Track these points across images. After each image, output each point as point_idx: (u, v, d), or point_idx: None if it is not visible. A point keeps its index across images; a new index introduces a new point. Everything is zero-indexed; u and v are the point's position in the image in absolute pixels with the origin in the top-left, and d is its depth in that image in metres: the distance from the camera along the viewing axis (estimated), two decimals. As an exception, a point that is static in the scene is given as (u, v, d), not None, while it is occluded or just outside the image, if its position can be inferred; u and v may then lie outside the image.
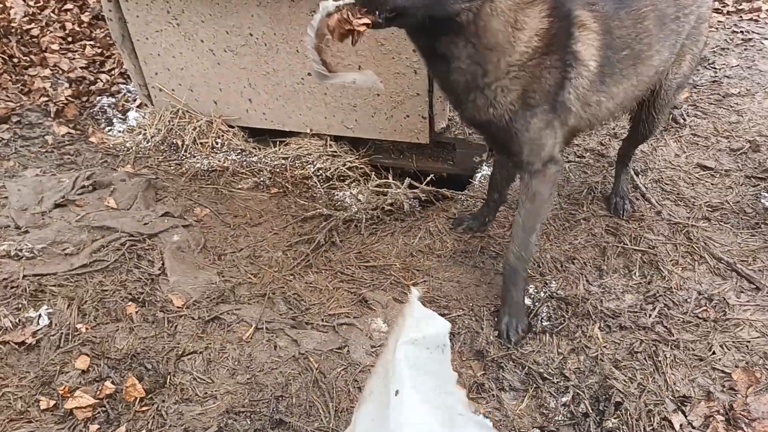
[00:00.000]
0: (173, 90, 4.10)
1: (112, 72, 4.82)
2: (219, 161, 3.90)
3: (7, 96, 4.23)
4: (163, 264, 2.94)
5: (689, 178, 3.35)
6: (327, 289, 2.87)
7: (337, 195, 3.66)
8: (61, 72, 4.62)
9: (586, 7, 2.20)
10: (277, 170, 3.85)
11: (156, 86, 4.12)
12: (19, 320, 2.57)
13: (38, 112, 4.17)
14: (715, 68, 4.28)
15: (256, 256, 3.10)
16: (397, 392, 1.48)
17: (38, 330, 2.54)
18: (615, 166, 3.28)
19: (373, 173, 3.85)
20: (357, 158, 3.95)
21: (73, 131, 4.14)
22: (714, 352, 2.42)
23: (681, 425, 2.18)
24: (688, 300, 2.66)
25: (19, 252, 2.87)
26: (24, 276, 2.76)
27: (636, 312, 2.63)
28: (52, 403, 2.27)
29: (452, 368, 1.64)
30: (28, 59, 4.61)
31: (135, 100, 4.51)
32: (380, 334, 2.62)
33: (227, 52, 3.79)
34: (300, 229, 3.32)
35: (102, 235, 3.05)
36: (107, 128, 4.27)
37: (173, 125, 4.08)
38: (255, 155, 3.98)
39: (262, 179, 3.77)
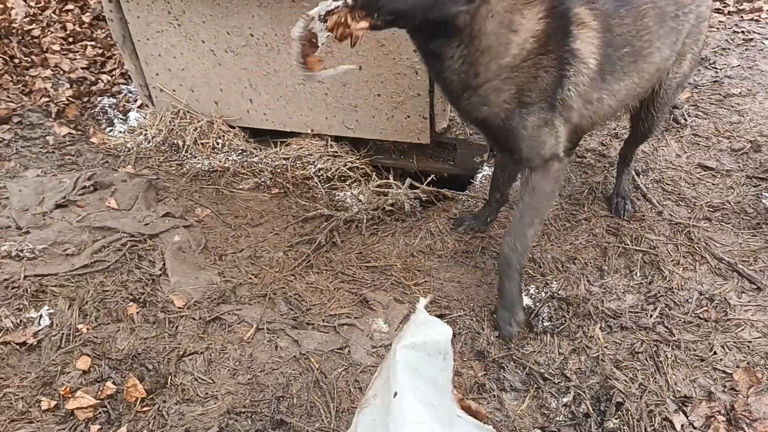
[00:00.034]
0: (174, 90, 4.10)
1: (113, 72, 4.83)
2: (220, 162, 3.90)
3: (8, 96, 4.23)
4: (164, 264, 2.95)
5: (690, 178, 3.35)
6: (328, 289, 2.87)
7: (338, 195, 3.66)
8: (62, 72, 4.62)
9: (586, 5, 2.21)
10: (278, 171, 3.85)
11: (157, 87, 4.12)
12: (20, 321, 2.57)
13: (39, 113, 4.17)
14: (716, 68, 4.27)
15: (257, 257, 3.10)
16: (395, 394, 1.48)
17: (39, 330, 2.54)
18: (616, 166, 3.28)
19: (374, 173, 3.85)
20: (358, 158, 3.95)
21: (74, 132, 4.14)
22: (715, 353, 2.42)
23: (682, 425, 2.18)
24: (689, 300, 2.66)
25: (20, 252, 2.87)
26: (25, 276, 2.76)
27: (637, 312, 2.63)
28: (53, 403, 2.27)
29: (452, 374, 1.65)
30: (29, 60, 4.62)
31: (136, 101, 4.51)
32: (381, 335, 2.62)
33: (228, 52, 3.79)
34: (301, 229, 3.32)
35: (103, 235, 3.05)
36: (108, 129, 4.27)
37: (174, 126, 4.08)
38: (256, 156, 3.98)
39: (263, 180, 3.77)
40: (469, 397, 2.31)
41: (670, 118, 3.80)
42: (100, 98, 4.52)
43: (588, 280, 2.81)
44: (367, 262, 3.04)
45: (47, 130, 4.07)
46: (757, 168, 3.35)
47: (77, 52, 4.91)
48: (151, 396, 2.34)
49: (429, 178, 3.55)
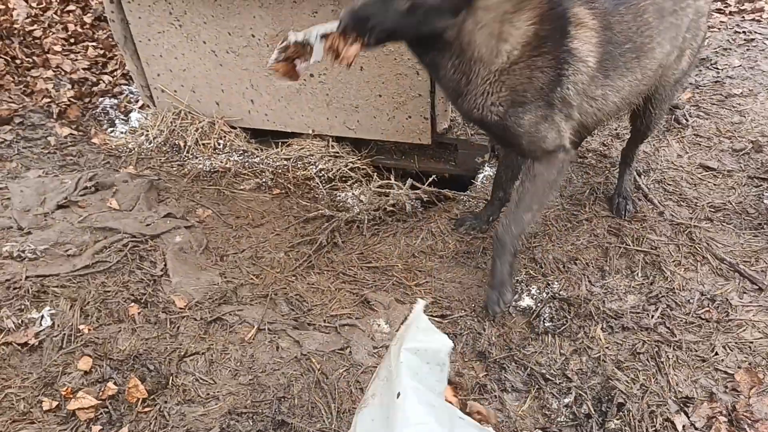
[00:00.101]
0: (175, 91, 4.10)
1: (115, 73, 4.83)
2: (221, 162, 3.91)
3: (10, 97, 4.24)
4: (165, 265, 2.95)
5: (692, 178, 3.35)
6: (329, 290, 2.87)
7: (339, 196, 3.66)
8: (63, 73, 4.63)
9: (584, 4, 2.25)
10: (279, 171, 3.85)
11: (158, 87, 4.12)
12: (22, 321, 2.57)
13: (41, 114, 4.18)
14: (717, 69, 4.27)
15: (258, 257, 3.10)
16: (398, 394, 1.49)
17: (41, 331, 2.55)
18: (617, 166, 3.28)
19: (375, 174, 3.85)
20: (359, 159, 3.95)
21: (75, 132, 4.15)
22: (717, 353, 2.42)
23: (683, 426, 2.18)
24: (691, 301, 2.65)
25: (21, 253, 2.87)
26: (26, 277, 2.76)
27: (638, 313, 2.62)
28: (54, 404, 2.27)
29: (446, 384, 1.67)
30: (30, 60, 4.62)
31: (137, 102, 4.52)
32: (382, 335, 2.62)
33: (229, 53, 3.80)
34: (302, 230, 3.32)
35: (104, 236, 3.05)
36: (109, 129, 4.28)
37: (175, 126, 4.08)
38: (257, 156, 3.98)
39: (264, 180, 3.77)
40: (470, 397, 2.32)
41: (671, 118, 3.80)
42: (102, 99, 4.53)
43: (589, 281, 2.80)
44: (369, 262, 3.04)
45: (49, 130, 4.07)
46: (758, 168, 3.35)
47: (79, 52, 4.92)
48: (152, 396, 2.34)
49: (430, 179, 3.55)
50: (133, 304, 2.72)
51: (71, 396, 2.30)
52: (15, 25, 4.78)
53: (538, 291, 2.77)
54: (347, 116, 3.81)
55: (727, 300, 2.63)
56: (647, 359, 2.43)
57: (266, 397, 2.35)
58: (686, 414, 2.22)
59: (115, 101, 4.54)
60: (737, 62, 4.29)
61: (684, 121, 3.77)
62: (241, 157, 3.97)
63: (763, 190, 3.19)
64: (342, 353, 2.53)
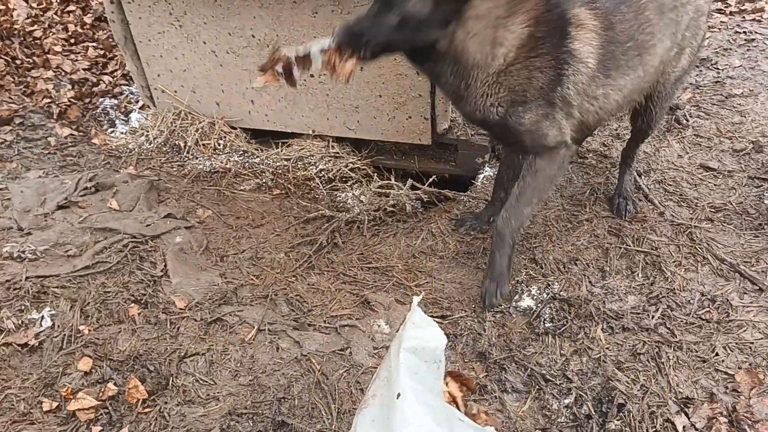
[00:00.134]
0: (176, 91, 4.10)
1: (115, 74, 4.83)
2: (221, 163, 3.91)
3: (10, 98, 4.24)
4: (165, 265, 2.95)
5: (692, 179, 3.34)
6: (329, 290, 2.87)
7: (340, 196, 3.66)
8: (63, 74, 4.63)
9: (585, 5, 2.26)
10: (280, 172, 3.85)
11: (158, 88, 4.12)
12: (22, 322, 2.57)
13: (41, 114, 4.18)
14: (717, 69, 4.27)
15: (259, 258, 3.10)
16: (398, 395, 1.49)
17: (41, 332, 2.54)
18: (618, 167, 3.28)
19: (376, 174, 3.85)
20: (359, 159, 3.95)
21: (75, 133, 4.15)
22: (717, 354, 2.42)
23: (684, 427, 2.17)
24: (691, 301, 2.65)
25: (21, 254, 2.87)
26: (27, 278, 2.76)
27: (639, 313, 2.62)
28: (54, 404, 2.27)
29: (443, 381, 1.67)
30: (30, 61, 4.62)
31: (137, 102, 4.52)
32: (382, 336, 2.62)
33: (229, 53, 3.80)
34: (302, 230, 3.32)
35: (104, 236, 3.05)
36: (110, 130, 4.28)
37: (176, 127, 4.08)
38: (257, 157, 3.98)
39: (264, 181, 3.77)
40: (470, 398, 2.31)
41: (671, 118, 3.80)
42: (102, 99, 4.53)
43: (590, 281, 2.80)
44: (369, 263, 3.04)
45: (49, 131, 4.07)
46: (759, 169, 3.34)
47: (79, 53, 4.92)
48: (152, 397, 2.34)
49: (430, 179, 3.55)
50: (133, 304, 2.72)
51: (71, 397, 2.30)
52: (15, 26, 4.78)
53: (538, 291, 2.76)
54: (347, 117, 3.81)
55: (728, 300, 2.63)
56: (648, 360, 2.43)
57: (266, 398, 2.35)
58: (686, 415, 2.21)
59: (116, 102, 4.54)
60: (738, 62, 4.29)
61: (684, 122, 3.77)
62: (241, 158, 3.97)
63: (764, 190, 3.19)
64: (342, 354, 2.53)
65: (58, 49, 4.82)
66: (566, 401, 2.31)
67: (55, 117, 4.20)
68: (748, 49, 4.45)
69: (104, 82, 4.70)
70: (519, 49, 2.21)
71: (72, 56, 4.84)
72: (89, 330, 2.58)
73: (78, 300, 2.69)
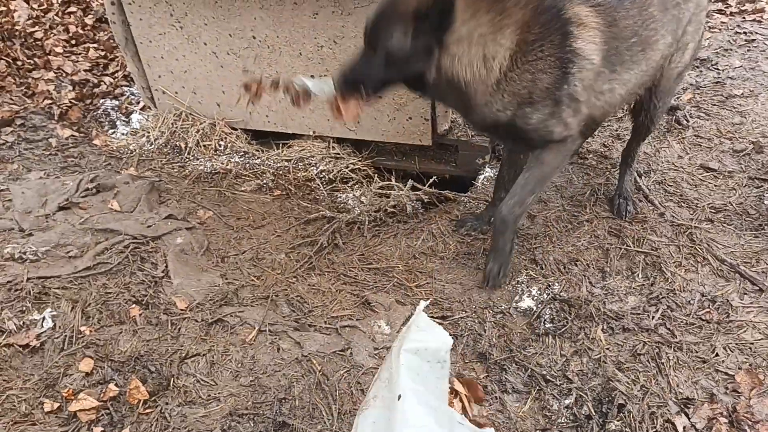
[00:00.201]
0: (176, 93, 4.11)
1: (116, 75, 4.84)
2: (222, 164, 3.91)
3: (11, 99, 4.25)
4: (166, 266, 2.95)
5: (692, 179, 3.35)
6: (330, 291, 2.88)
7: (340, 197, 3.66)
8: (64, 75, 4.64)
9: (585, 3, 2.26)
10: (280, 172, 3.86)
11: (159, 89, 4.13)
12: (23, 323, 2.58)
13: (42, 115, 4.18)
14: (718, 69, 4.27)
15: (259, 259, 3.10)
16: (399, 397, 1.49)
17: (42, 333, 2.55)
18: (618, 167, 3.28)
19: (376, 175, 3.85)
20: (360, 160, 3.95)
21: (76, 134, 4.15)
22: (717, 354, 2.42)
23: (684, 427, 2.18)
24: (691, 302, 2.65)
25: (23, 255, 2.88)
26: (28, 279, 2.76)
27: (639, 314, 2.62)
28: (56, 405, 2.28)
29: (448, 382, 1.67)
30: (31, 62, 4.63)
31: (138, 103, 4.52)
32: (383, 337, 2.62)
33: (230, 54, 3.80)
34: (303, 231, 3.32)
35: (105, 237, 3.06)
36: (111, 131, 4.29)
37: (176, 128, 4.09)
38: (258, 157, 3.99)
39: (265, 181, 3.78)
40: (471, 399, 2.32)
41: (672, 119, 3.80)
42: (103, 100, 4.54)
43: (590, 282, 2.80)
44: (369, 263, 3.05)
45: (50, 132, 4.08)
46: (759, 169, 3.35)
47: (80, 54, 4.93)
48: (153, 398, 2.34)
49: (431, 180, 3.55)
50: (134, 305, 2.73)
51: (72, 397, 2.30)
52: (16, 27, 4.78)
53: (538, 292, 2.77)
54: (348, 117, 3.81)
55: (728, 301, 2.63)
56: (648, 360, 2.43)
57: (267, 399, 2.35)
58: (687, 415, 2.22)
59: (116, 103, 4.54)
60: (738, 63, 4.29)
61: (685, 122, 3.77)
62: (241, 159, 3.98)
63: (764, 191, 3.19)
64: (343, 354, 2.53)
65: (59, 50, 4.83)
66: (566, 402, 2.32)
67: (56, 118, 4.21)
68: (748, 50, 4.45)
69: (105, 83, 4.71)
70: (513, 55, 2.25)
71: (73, 57, 4.85)
72: (90, 331, 2.58)
73: (79, 301, 2.69)
